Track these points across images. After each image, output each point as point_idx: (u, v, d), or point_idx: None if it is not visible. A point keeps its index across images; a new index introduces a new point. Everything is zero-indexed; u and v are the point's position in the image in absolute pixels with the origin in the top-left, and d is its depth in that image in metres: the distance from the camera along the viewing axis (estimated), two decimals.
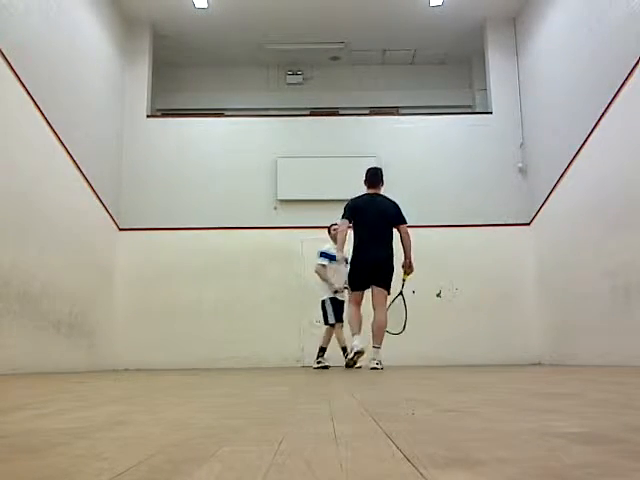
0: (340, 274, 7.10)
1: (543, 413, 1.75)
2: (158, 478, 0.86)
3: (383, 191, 6.07)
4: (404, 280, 6.02)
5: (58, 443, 1.20)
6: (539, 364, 8.72)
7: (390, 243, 5.83)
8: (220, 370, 7.39)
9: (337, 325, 7.24)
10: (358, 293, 5.94)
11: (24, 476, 0.89)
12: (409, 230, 6.01)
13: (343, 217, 5.94)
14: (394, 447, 1.08)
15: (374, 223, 5.76)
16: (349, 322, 6.04)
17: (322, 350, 7.25)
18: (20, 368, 6.02)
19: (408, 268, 5.91)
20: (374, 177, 5.93)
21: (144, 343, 8.89)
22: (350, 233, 6.04)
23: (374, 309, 5.78)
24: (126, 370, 8.34)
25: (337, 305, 7.31)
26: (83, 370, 7.47)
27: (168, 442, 1.21)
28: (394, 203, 5.93)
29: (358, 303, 5.93)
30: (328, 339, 7.25)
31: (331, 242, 7.38)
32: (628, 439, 1.18)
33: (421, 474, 0.84)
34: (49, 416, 1.80)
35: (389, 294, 5.91)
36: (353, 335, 5.83)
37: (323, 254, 7.39)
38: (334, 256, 7.19)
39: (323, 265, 7.34)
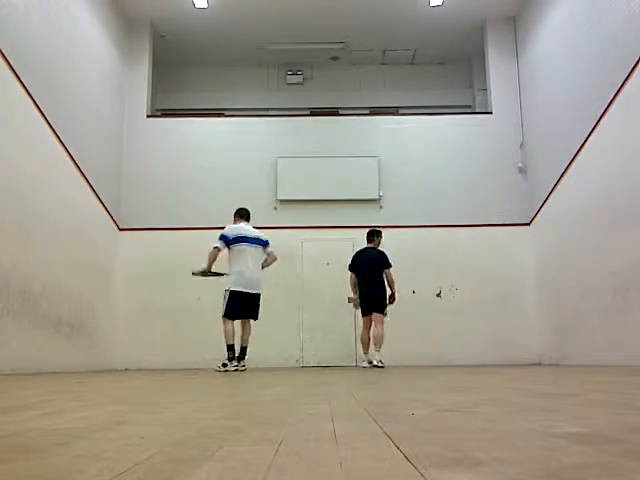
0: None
1: (543, 413, 1.75)
2: (158, 478, 0.86)
3: (381, 242, 7.71)
4: (386, 308, 7.47)
5: (58, 443, 1.20)
6: (539, 364, 8.72)
7: (381, 282, 7.40)
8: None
9: (226, 320, 6.44)
10: (365, 318, 7.46)
11: (24, 476, 0.89)
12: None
13: (349, 269, 7.61)
14: (394, 447, 1.08)
15: (367, 270, 7.43)
16: (361, 342, 7.51)
17: (229, 348, 6.42)
18: (20, 368, 6.02)
19: (391, 299, 7.45)
20: (370, 236, 7.75)
21: (144, 343, 8.88)
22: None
23: (374, 326, 7.34)
24: (126, 370, 8.34)
25: (235, 299, 6.44)
26: (83, 370, 7.47)
27: (168, 442, 1.21)
28: (381, 253, 7.53)
29: (367, 327, 7.44)
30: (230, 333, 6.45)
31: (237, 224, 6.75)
32: (628, 439, 1.18)
33: (421, 474, 0.84)
34: (49, 416, 1.80)
35: (385, 315, 7.37)
36: (364, 354, 7.44)
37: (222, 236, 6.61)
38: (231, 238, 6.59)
39: (216, 248, 6.57)
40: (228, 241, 6.61)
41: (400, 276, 8.18)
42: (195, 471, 0.89)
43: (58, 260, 7.14)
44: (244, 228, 6.73)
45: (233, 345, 6.47)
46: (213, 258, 6.62)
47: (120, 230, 9.26)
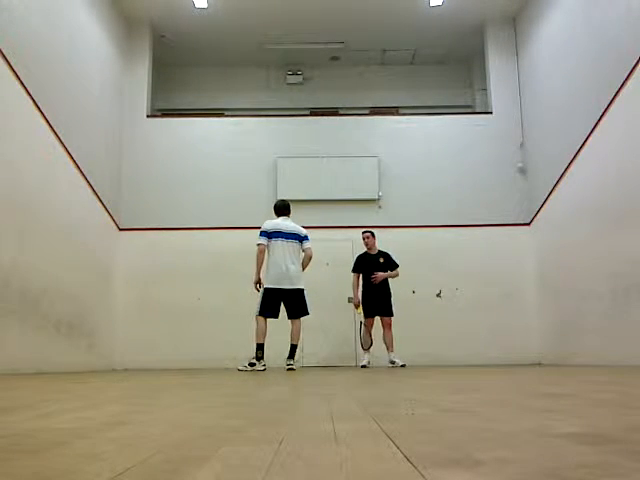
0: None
1: (543, 413, 1.75)
2: (158, 478, 0.86)
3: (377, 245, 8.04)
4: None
5: (58, 443, 1.20)
6: (539, 364, 8.72)
7: (387, 283, 7.77)
8: (220, 370, 7.38)
9: (259, 318, 6.49)
10: (370, 319, 7.75)
11: (24, 476, 0.89)
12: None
13: (353, 270, 7.95)
14: (394, 447, 1.08)
15: (373, 272, 7.73)
16: (363, 342, 7.83)
17: (258, 347, 6.45)
18: (20, 368, 6.02)
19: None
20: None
21: (144, 343, 8.88)
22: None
23: (386, 331, 7.68)
24: (126, 370, 8.34)
25: (268, 297, 6.49)
26: (83, 370, 7.47)
27: (168, 442, 1.21)
28: (386, 254, 7.90)
29: (370, 327, 7.77)
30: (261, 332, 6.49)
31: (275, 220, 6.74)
32: (628, 439, 1.18)
33: (421, 474, 0.84)
34: (49, 416, 1.80)
35: (393, 315, 7.70)
36: (365, 352, 7.78)
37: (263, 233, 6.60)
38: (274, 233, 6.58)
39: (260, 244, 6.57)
40: (268, 235, 6.58)
41: (400, 276, 8.19)
42: (195, 471, 0.89)
43: (58, 260, 7.13)
44: (280, 223, 6.70)
45: (263, 344, 6.44)
46: (262, 257, 6.56)
47: (120, 230, 9.26)
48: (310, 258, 6.70)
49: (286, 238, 6.59)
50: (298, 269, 6.60)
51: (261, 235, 6.60)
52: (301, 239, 6.68)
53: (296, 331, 6.62)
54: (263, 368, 6.42)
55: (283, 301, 6.58)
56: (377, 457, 0.99)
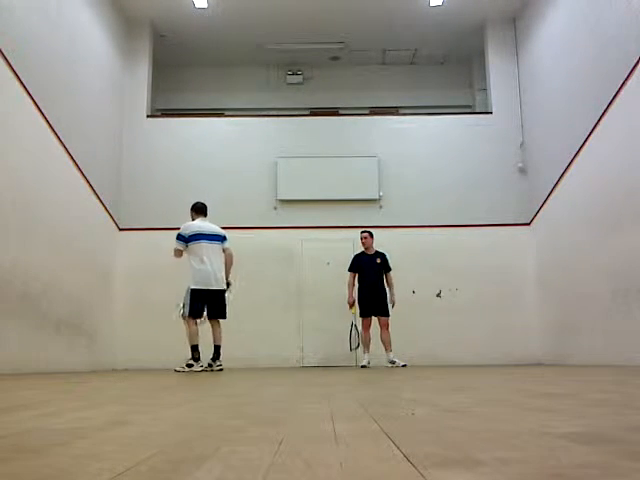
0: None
1: (543, 413, 1.75)
2: (158, 478, 0.86)
3: (374, 245, 8.02)
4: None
5: (58, 443, 1.20)
6: (539, 364, 8.72)
7: (382, 283, 7.78)
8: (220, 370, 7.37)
9: (190, 320, 6.41)
10: (366, 319, 7.71)
11: (24, 476, 0.89)
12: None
13: (349, 270, 7.92)
14: (394, 447, 1.08)
15: (370, 272, 7.80)
16: (363, 343, 7.84)
17: (193, 349, 6.38)
18: (20, 368, 6.02)
19: (392, 304, 7.75)
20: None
21: (144, 343, 8.87)
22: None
23: (383, 331, 7.66)
24: (126, 370, 8.34)
25: (196, 298, 6.39)
26: (83, 370, 7.47)
27: (168, 442, 1.21)
28: (382, 254, 7.90)
29: (367, 327, 7.71)
30: (192, 334, 6.43)
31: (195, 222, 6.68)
32: (628, 439, 1.18)
33: (421, 474, 0.84)
34: (49, 416, 1.80)
35: (389, 315, 7.70)
36: (364, 353, 7.78)
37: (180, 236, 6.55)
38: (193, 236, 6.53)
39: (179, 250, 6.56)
40: (185, 240, 6.56)
41: (400, 276, 8.19)
42: (195, 471, 0.89)
43: (58, 260, 7.13)
44: (200, 225, 6.67)
45: (198, 345, 6.41)
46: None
47: (120, 230, 9.26)
48: (232, 257, 6.72)
49: (209, 240, 6.58)
50: (222, 270, 6.62)
51: (179, 240, 6.56)
52: (222, 240, 6.70)
53: (219, 333, 6.60)
54: (201, 369, 6.38)
55: (207, 302, 6.52)
56: (377, 457, 0.99)
